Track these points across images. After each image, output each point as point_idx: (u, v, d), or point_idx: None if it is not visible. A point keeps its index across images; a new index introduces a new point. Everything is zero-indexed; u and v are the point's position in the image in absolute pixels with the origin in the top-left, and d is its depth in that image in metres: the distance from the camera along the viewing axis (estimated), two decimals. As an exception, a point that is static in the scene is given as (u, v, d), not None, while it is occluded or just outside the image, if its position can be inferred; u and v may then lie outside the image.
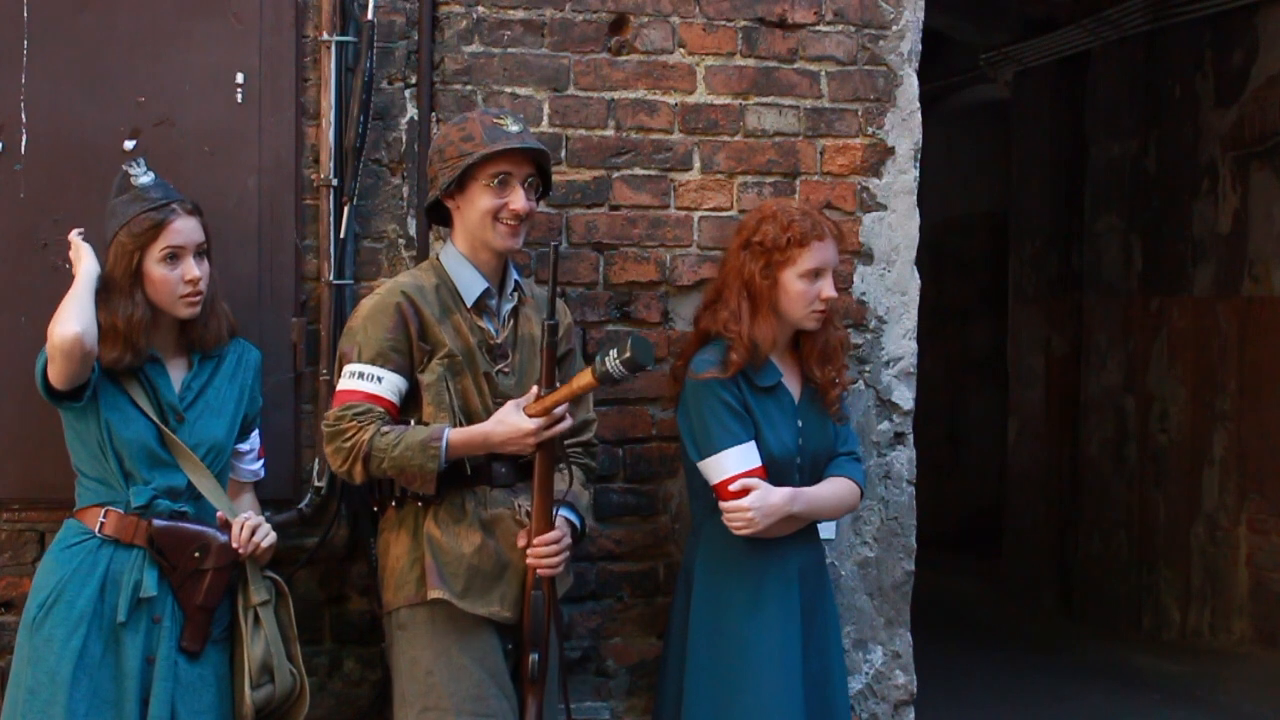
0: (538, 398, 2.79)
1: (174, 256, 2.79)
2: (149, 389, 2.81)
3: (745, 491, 2.88)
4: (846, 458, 3.11)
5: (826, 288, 2.97)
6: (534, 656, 2.84)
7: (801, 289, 2.97)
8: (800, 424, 3.03)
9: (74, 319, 2.67)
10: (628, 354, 2.65)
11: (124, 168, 2.85)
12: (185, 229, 2.80)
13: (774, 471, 2.95)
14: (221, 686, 2.81)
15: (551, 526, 2.83)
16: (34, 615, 2.74)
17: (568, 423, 2.82)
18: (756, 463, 2.92)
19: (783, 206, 3.05)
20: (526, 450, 2.80)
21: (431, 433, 2.78)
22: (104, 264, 2.80)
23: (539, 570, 2.82)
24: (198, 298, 2.82)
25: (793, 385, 3.06)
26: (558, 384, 2.81)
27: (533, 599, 2.84)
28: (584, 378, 2.75)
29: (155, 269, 2.78)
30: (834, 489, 3.04)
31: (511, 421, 2.78)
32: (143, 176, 2.83)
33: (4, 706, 2.77)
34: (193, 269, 2.80)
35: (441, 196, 2.92)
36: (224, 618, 2.83)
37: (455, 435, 2.79)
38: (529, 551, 2.82)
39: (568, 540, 2.88)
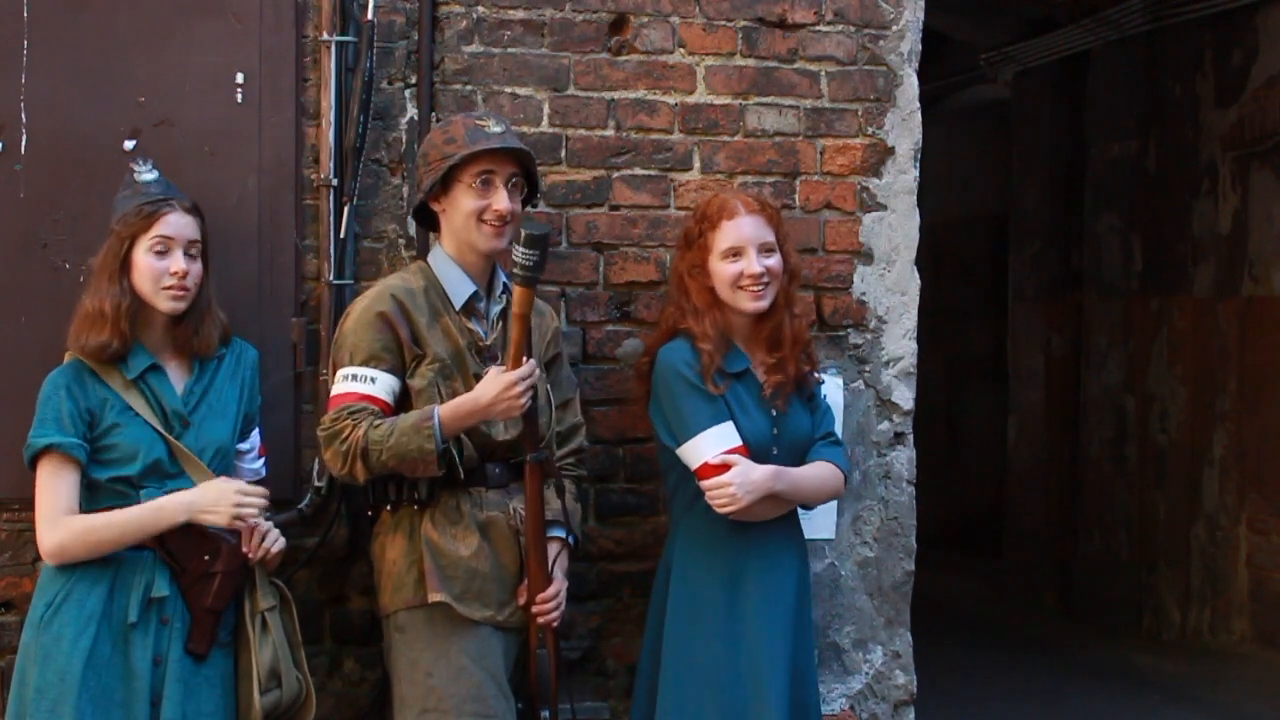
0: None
1: (163, 249, 2.79)
2: (152, 399, 2.80)
3: (727, 467, 2.86)
4: (824, 441, 3.06)
5: (748, 265, 2.94)
6: (544, 715, 2.90)
7: (725, 271, 2.96)
8: (774, 412, 3.00)
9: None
10: (519, 236, 2.73)
11: (130, 164, 2.87)
12: (178, 223, 2.80)
13: (750, 458, 2.90)
14: (226, 690, 2.81)
15: (550, 582, 2.88)
16: (41, 614, 2.73)
17: (532, 365, 2.82)
18: (737, 442, 2.89)
19: (709, 197, 3.08)
20: (518, 409, 2.79)
21: (421, 414, 2.79)
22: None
23: (542, 622, 2.88)
24: (181, 293, 2.80)
25: (761, 372, 3.03)
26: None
27: (538, 658, 2.89)
28: (514, 294, 2.78)
29: (142, 258, 2.78)
30: (817, 472, 3.01)
31: (493, 377, 2.79)
32: (146, 174, 2.85)
33: (8, 705, 2.76)
34: (180, 263, 2.79)
35: (427, 199, 2.93)
36: (229, 621, 2.83)
37: (445, 409, 2.80)
38: (532, 609, 2.87)
39: (565, 588, 2.93)
